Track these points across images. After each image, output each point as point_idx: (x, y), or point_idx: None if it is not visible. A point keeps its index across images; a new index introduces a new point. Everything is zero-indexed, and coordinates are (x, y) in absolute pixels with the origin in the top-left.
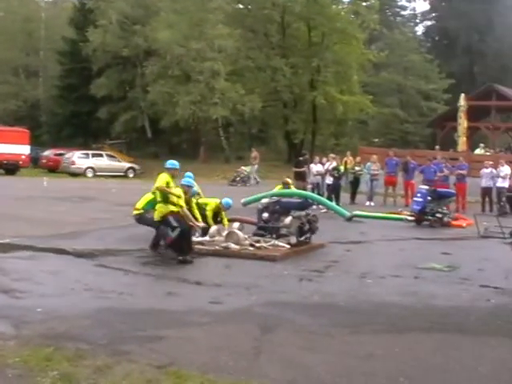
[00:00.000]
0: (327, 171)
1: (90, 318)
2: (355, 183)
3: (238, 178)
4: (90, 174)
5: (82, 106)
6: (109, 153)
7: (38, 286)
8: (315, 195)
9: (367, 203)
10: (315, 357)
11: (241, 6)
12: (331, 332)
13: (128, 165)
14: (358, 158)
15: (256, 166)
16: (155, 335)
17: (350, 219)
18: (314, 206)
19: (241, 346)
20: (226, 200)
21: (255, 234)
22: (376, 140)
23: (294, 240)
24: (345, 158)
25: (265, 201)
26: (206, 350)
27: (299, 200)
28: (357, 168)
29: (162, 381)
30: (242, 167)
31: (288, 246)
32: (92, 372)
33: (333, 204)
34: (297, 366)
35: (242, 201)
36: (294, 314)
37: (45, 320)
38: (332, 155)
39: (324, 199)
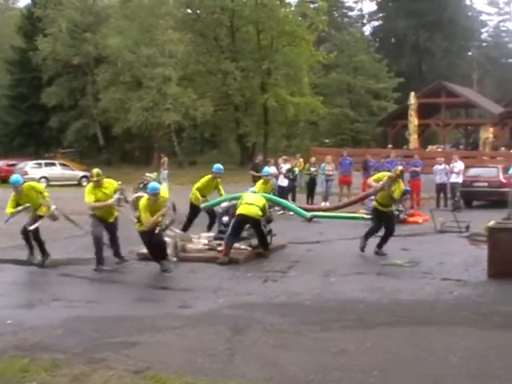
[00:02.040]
0: (280, 173)
1: (62, 328)
2: (311, 184)
3: (141, 185)
4: (43, 183)
5: (33, 116)
6: (62, 162)
7: (4, 298)
8: (276, 197)
9: (323, 204)
10: (288, 355)
11: (190, 11)
12: (301, 330)
13: (81, 173)
14: (313, 159)
15: (166, 172)
16: (129, 341)
17: (310, 220)
18: (271, 209)
19: (214, 348)
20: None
21: (216, 238)
22: (327, 140)
23: (255, 242)
24: (295, 161)
25: (225, 204)
26: (180, 354)
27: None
28: (312, 169)
29: None
30: (147, 174)
31: (250, 249)
32: (70, 381)
33: (293, 205)
34: (271, 364)
35: (202, 205)
36: (263, 314)
37: (16, 331)
38: (285, 157)
39: (284, 201)
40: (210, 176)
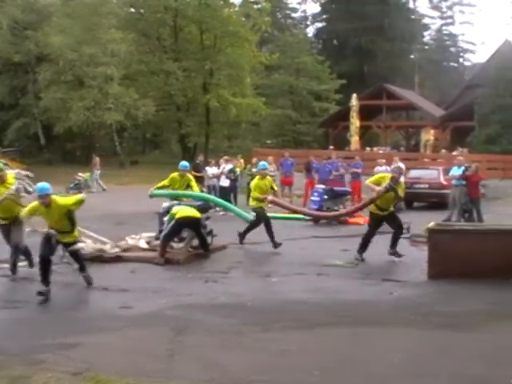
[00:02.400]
0: (222, 173)
1: (0, 330)
2: None
3: (71, 185)
4: None
5: None
6: (2, 161)
7: None
8: (218, 199)
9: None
10: (230, 355)
11: (133, 11)
12: (242, 331)
13: (23, 172)
14: (255, 160)
15: (98, 172)
16: (69, 342)
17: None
18: (212, 209)
19: (156, 349)
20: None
21: (157, 238)
22: (269, 141)
23: (195, 243)
24: (236, 161)
25: (165, 205)
26: (122, 355)
27: (199, 202)
28: (254, 170)
29: None
30: (80, 174)
31: (190, 249)
32: (8, 383)
33: (235, 208)
34: (213, 365)
35: (149, 193)
36: (204, 315)
37: None
38: (226, 157)
39: (227, 203)
40: (176, 174)
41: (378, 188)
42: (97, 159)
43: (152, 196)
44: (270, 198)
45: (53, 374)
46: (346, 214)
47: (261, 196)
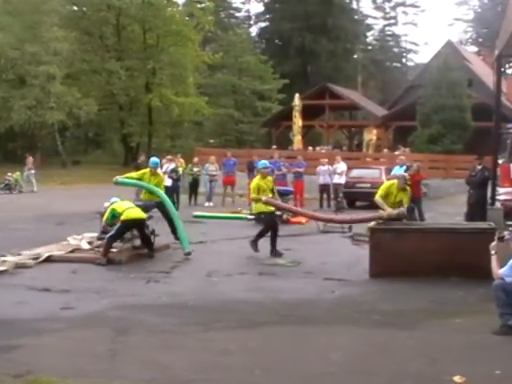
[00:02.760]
0: (165, 173)
1: None
2: (194, 184)
3: (1, 186)
4: None
5: None
6: None
7: None
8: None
9: (206, 204)
10: (171, 355)
11: (76, 9)
12: (184, 330)
13: None
14: (196, 159)
15: (32, 172)
16: (8, 345)
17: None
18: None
19: (97, 350)
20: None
21: (98, 239)
22: (212, 141)
23: (138, 243)
24: (177, 160)
25: (107, 204)
26: (63, 356)
27: (142, 203)
28: (195, 169)
29: None
30: (9, 174)
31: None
32: None
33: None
34: (154, 365)
35: (115, 179)
36: (145, 315)
37: None
38: (169, 157)
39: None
40: (147, 169)
41: (390, 210)
42: (30, 159)
43: (116, 183)
44: (263, 198)
45: None
46: (355, 221)
47: (257, 196)
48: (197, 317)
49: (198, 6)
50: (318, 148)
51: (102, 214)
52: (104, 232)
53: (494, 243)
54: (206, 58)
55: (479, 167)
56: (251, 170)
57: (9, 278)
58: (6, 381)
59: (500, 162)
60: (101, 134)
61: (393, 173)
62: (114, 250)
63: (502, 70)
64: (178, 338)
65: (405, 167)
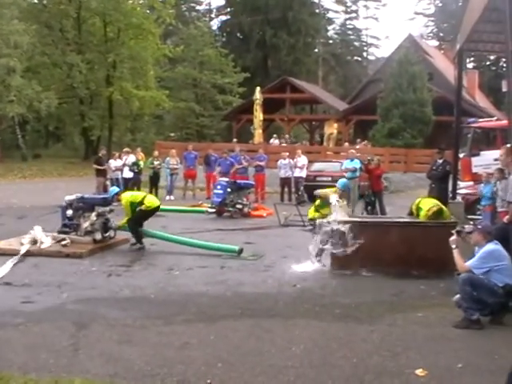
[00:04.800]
0: (125, 165)
1: None
2: (155, 178)
3: None
4: None
5: None
6: None
7: None
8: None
9: (167, 197)
10: (133, 349)
11: (36, 1)
12: (145, 324)
13: None
14: (156, 153)
15: None
16: None
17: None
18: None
19: (58, 344)
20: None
21: (60, 232)
22: (172, 134)
23: (99, 236)
24: (136, 153)
25: (69, 198)
26: (23, 350)
27: (103, 196)
28: (156, 162)
29: None
30: None
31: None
32: None
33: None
34: (116, 359)
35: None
36: (107, 308)
37: None
38: (126, 149)
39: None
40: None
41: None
42: None
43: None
44: None
45: None
46: None
47: None
48: (158, 310)
49: None
50: (272, 140)
51: (65, 208)
52: (65, 225)
53: (453, 237)
54: (166, 51)
55: (440, 161)
56: (208, 163)
57: None
58: None
59: (461, 156)
60: (61, 128)
61: (344, 166)
62: (67, 242)
63: (463, 64)
64: (139, 331)
65: (356, 161)
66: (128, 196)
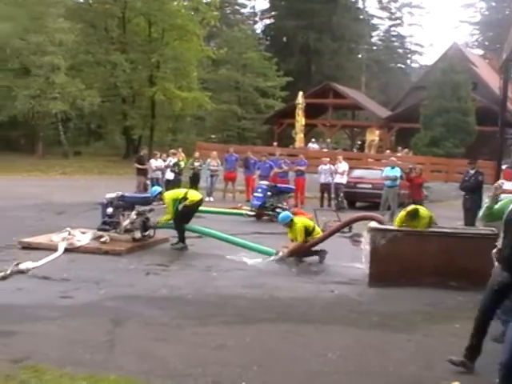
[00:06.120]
0: (167, 167)
1: None
2: (195, 179)
3: None
4: None
5: None
6: None
7: None
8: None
9: (207, 199)
10: (168, 348)
11: (82, 1)
12: (181, 324)
13: None
14: (197, 154)
15: None
16: (7, 330)
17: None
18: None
19: (95, 340)
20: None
21: (99, 229)
22: (213, 136)
23: (138, 235)
24: (177, 154)
25: (109, 195)
26: (60, 344)
27: (143, 195)
28: (196, 164)
29: (20, 375)
30: None
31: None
32: None
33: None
34: (151, 357)
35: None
36: (143, 307)
37: None
38: (173, 151)
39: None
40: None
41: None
42: None
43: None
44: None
45: None
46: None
47: None
48: (195, 310)
49: (204, 0)
50: (310, 144)
51: (105, 205)
52: (105, 223)
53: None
54: (210, 53)
55: (472, 171)
56: (247, 166)
57: (7, 267)
58: (4, 366)
59: (503, 167)
60: (103, 126)
61: (385, 174)
62: (106, 239)
63: (509, 74)
64: (175, 330)
65: (397, 169)
66: (171, 193)
